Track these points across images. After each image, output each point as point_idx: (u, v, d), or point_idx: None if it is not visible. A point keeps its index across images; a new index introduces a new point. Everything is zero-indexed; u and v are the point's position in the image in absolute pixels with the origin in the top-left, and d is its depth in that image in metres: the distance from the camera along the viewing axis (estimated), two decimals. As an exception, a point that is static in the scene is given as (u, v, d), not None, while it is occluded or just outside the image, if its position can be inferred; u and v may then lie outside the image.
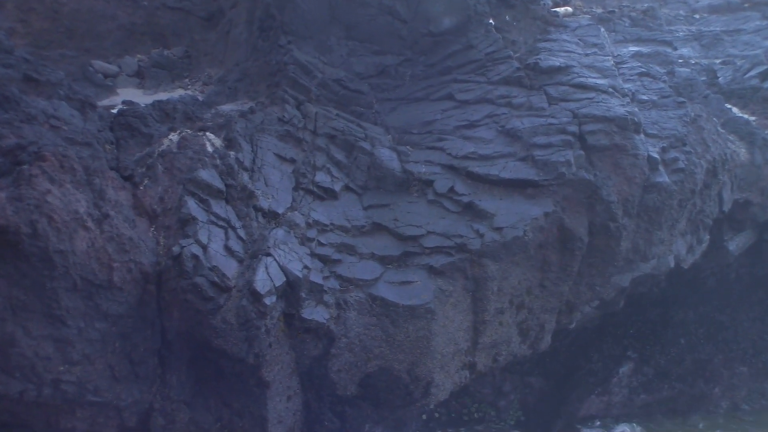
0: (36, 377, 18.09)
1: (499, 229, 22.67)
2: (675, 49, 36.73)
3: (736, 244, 29.47)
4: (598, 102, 26.05)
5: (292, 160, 23.94)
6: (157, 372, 20.23)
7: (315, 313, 20.63)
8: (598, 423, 28.73)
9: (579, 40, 31.03)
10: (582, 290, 25.02)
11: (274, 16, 27.89)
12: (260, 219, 21.76)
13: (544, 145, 24.58)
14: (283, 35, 27.51)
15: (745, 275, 31.44)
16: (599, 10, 41.17)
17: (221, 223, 20.86)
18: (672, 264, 26.88)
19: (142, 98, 26.75)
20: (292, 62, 26.59)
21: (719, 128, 29.03)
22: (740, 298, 31.46)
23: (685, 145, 26.46)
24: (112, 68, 30.40)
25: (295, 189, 23.29)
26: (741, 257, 30.24)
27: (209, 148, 22.17)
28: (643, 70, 30.53)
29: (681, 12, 44.69)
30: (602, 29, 33.02)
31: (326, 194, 23.65)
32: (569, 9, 38.77)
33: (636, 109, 26.38)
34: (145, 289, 19.62)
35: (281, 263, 20.41)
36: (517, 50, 29.71)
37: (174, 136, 22.47)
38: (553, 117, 25.65)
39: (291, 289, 20.40)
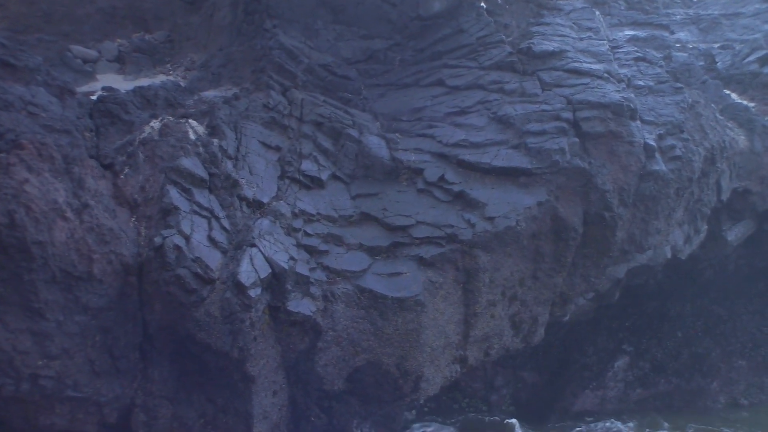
0: (14, 372, 17.67)
1: (490, 219, 22.30)
2: (672, 33, 36.58)
3: (734, 234, 29.14)
4: (593, 88, 25.67)
5: (278, 148, 23.54)
6: (138, 367, 19.80)
7: (301, 305, 20.21)
8: (592, 418, 28.37)
9: (573, 23, 30.70)
10: (576, 282, 24.66)
11: (259, -1, 27.47)
12: (245, 208, 21.37)
13: (538, 132, 24.22)
14: (269, 19, 27.15)
15: (744, 266, 31.21)
16: (594, -7, 40.87)
17: (204, 212, 20.43)
18: (669, 255, 26.60)
19: (123, 84, 26.34)
20: (278, 47, 26.22)
21: (717, 115, 28.69)
22: (739, 290, 31.22)
23: (682, 132, 26.16)
24: (92, 53, 29.88)
25: (281, 178, 22.90)
26: (740, 248, 29.96)
27: (192, 136, 21.73)
28: (639, 54, 30.29)
29: (678, -6, 44.39)
30: (597, 12, 32.72)
31: (313, 183, 23.26)
32: (563, -9, 38.40)
33: (632, 95, 25.99)
34: (126, 281, 19.20)
35: (266, 254, 20.01)
36: (510, 34, 29.39)
37: (155, 124, 22.00)
38: (546, 103, 25.30)
39: (276, 281, 19.99)
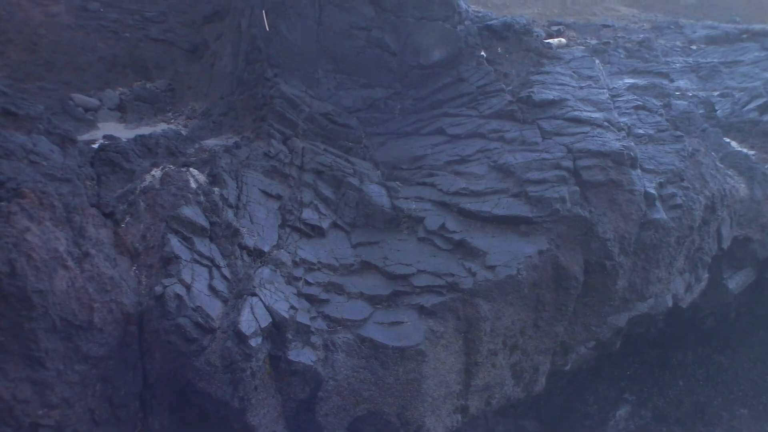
0: (13, 421, 17.39)
1: (491, 268, 22.19)
2: (672, 80, 36.73)
3: (735, 282, 29.09)
4: (593, 136, 25.73)
5: (279, 197, 23.50)
6: (138, 416, 19.60)
7: (302, 354, 20.01)
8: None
9: (573, 72, 30.87)
10: (577, 330, 24.57)
11: (260, 48, 27.59)
12: (245, 257, 21.27)
13: (538, 180, 24.21)
14: (270, 68, 27.22)
15: (745, 315, 31.17)
16: (593, 41, 41.32)
17: (205, 261, 20.31)
18: (670, 303, 26.44)
19: (124, 133, 26.32)
20: (279, 96, 26.25)
21: (718, 163, 28.74)
22: (740, 339, 31.19)
23: (682, 180, 26.17)
24: (93, 102, 29.90)
25: (282, 226, 22.82)
26: (741, 296, 29.87)
27: (193, 185, 21.69)
28: (639, 103, 30.34)
29: (677, 43, 44.66)
30: (597, 61, 32.91)
31: (313, 232, 23.20)
32: (563, 40, 38.79)
33: (632, 144, 25.99)
34: (127, 330, 19.02)
35: (267, 303, 19.87)
36: (510, 83, 29.54)
37: (156, 172, 21.99)
38: (546, 152, 25.32)
39: (277, 330, 19.83)
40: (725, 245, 28.04)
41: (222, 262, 20.63)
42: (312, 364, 20.01)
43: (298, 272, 21.65)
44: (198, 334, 18.80)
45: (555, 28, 44.06)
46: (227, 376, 18.88)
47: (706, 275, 28.04)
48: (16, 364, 17.27)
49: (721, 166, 28.94)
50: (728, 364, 30.92)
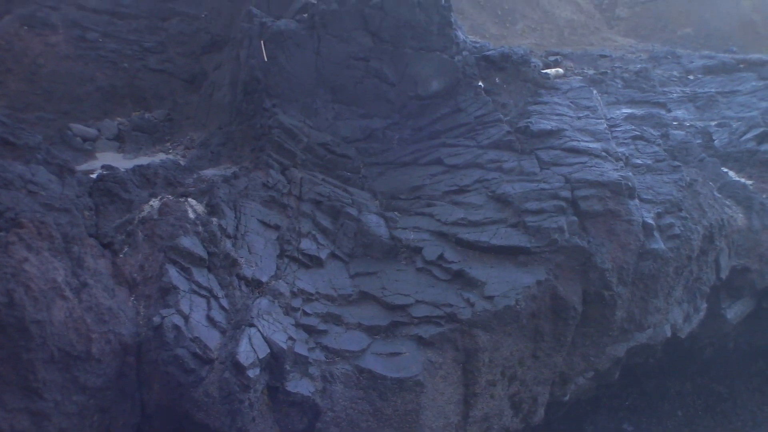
0: (11, 452, 17.38)
1: (490, 298, 22.14)
2: (669, 110, 36.80)
3: (734, 312, 29.09)
4: (591, 166, 25.77)
5: (277, 227, 23.51)
6: (136, 447, 19.47)
7: (300, 385, 19.92)
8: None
9: (571, 102, 30.93)
10: (576, 361, 24.51)
11: (258, 78, 27.65)
12: (243, 288, 21.25)
13: (536, 210, 24.22)
14: (268, 98, 27.28)
15: (744, 344, 31.12)
16: (591, 71, 41.40)
17: (203, 292, 20.31)
18: (668, 333, 26.44)
19: (122, 163, 26.41)
20: (277, 126, 26.31)
21: (715, 193, 28.81)
22: (739, 369, 31.13)
23: (680, 210, 26.20)
24: (92, 132, 29.96)
25: (280, 256, 22.83)
26: (739, 326, 29.85)
27: (191, 215, 21.72)
28: (636, 133, 30.44)
29: (675, 73, 44.78)
30: (594, 91, 32.97)
31: (311, 262, 23.18)
32: (560, 71, 38.87)
33: (630, 174, 26.06)
34: (125, 360, 19.00)
35: (265, 334, 19.82)
36: (508, 113, 29.58)
37: (155, 202, 22.03)
38: (544, 182, 25.35)
39: (275, 361, 19.75)
40: (723, 275, 28.05)
41: (220, 293, 20.62)
42: (310, 395, 19.92)
43: (296, 303, 21.60)
44: (196, 365, 18.77)
45: (552, 58, 44.19)
46: (225, 407, 18.81)
47: (704, 305, 28.05)
48: (13, 394, 17.24)
49: (719, 195, 29.00)
50: (727, 394, 30.85)
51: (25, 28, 31.42)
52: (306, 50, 28.11)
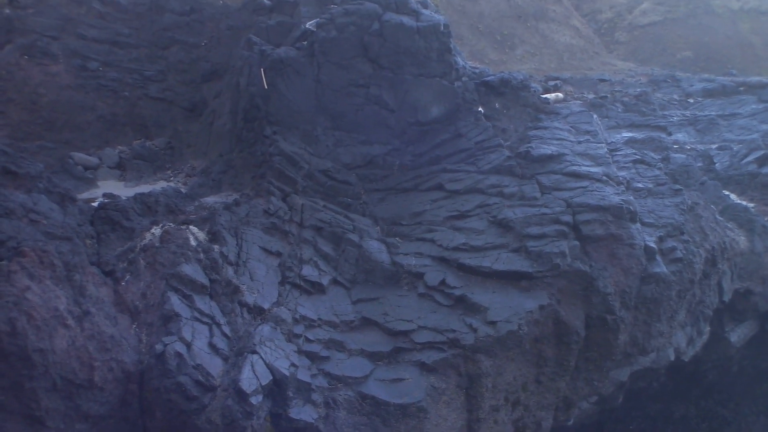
0: (13, 481, 17.30)
1: (492, 323, 22.11)
2: (669, 134, 36.89)
3: (737, 335, 29.06)
4: (592, 191, 25.75)
5: (278, 254, 23.48)
6: (139, 475, 19.39)
7: (303, 412, 19.87)
8: None
9: (571, 127, 30.93)
10: (579, 385, 24.45)
11: (258, 106, 27.70)
12: (245, 315, 21.19)
13: (538, 235, 24.21)
14: (268, 126, 27.32)
15: (748, 367, 31.03)
16: (591, 96, 41.49)
17: (205, 319, 20.25)
18: (672, 357, 26.35)
19: (124, 191, 26.43)
20: (278, 153, 26.32)
21: (717, 216, 28.82)
22: (743, 392, 31.01)
23: (682, 233, 26.21)
24: (93, 160, 29.97)
25: (282, 283, 22.80)
26: (743, 349, 29.82)
27: (193, 242, 21.69)
28: (637, 156, 30.46)
29: (675, 96, 44.87)
30: (594, 115, 32.97)
31: (313, 288, 23.15)
32: (560, 95, 38.93)
33: (631, 198, 26.05)
34: (127, 388, 18.92)
35: (267, 361, 19.79)
36: (508, 138, 29.61)
37: (156, 230, 21.98)
38: (546, 206, 25.33)
39: (278, 388, 19.73)
40: (726, 298, 28.03)
41: (222, 320, 20.56)
42: (313, 421, 19.87)
43: (299, 329, 21.56)
44: (199, 392, 18.70)
45: (552, 83, 44.28)
46: (228, 434, 18.72)
47: (707, 328, 27.99)
48: (16, 423, 17.19)
49: (721, 218, 29.01)
50: (731, 417, 30.74)
51: (26, 57, 31.48)
52: (306, 77, 28.16)
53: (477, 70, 33.51)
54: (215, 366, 19.33)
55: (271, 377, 19.53)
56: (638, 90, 44.25)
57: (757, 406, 31.21)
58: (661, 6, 64.88)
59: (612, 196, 25.43)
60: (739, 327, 29.22)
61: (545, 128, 30.58)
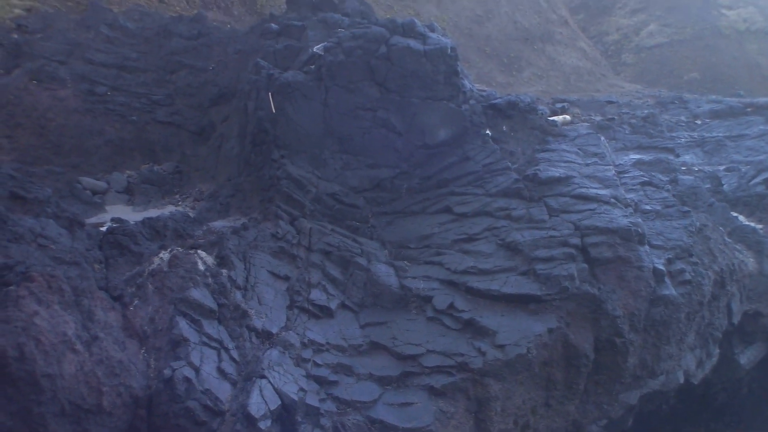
0: (20, 508, 17.23)
1: (501, 347, 22.04)
2: (677, 155, 36.81)
3: (747, 357, 28.96)
4: (601, 213, 25.75)
5: (286, 278, 23.48)
6: (146, 501, 19.32)
7: (311, 437, 19.80)
8: None
9: (579, 149, 30.95)
10: (589, 409, 24.36)
11: (266, 129, 27.74)
12: (254, 339, 21.17)
13: (546, 258, 24.18)
14: (276, 149, 27.34)
15: (758, 389, 30.94)
16: (598, 118, 41.45)
17: (214, 344, 20.24)
18: (681, 379, 26.25)
19: (132, 215, 26.43)
20: (286, 177, 26.34)
21: (726, 237, 28.76)
22: (753, 414, 30.91)
23: (691, 255, 26.17)
24: (101, 185, 29.96)
25: (290, 307, 22.78)
26: (753, 371, 29.73)
27: (201, 267, 21.70)
28: (645, 179, 30.43)
29: (682, 118, 44.80)
30: (602, 138, 32.98)
31: (322, 312, 23.12)
32: (567, 117, 38.92)
33: (639, 220, 26.02)
34: (136, 413, 18.83)
35: (276, 385, 19.75)
36: (516, 161, 29.60)
37: (165, 255, 21.99)
38: (554, 229, 25.31)
39: (286, 413, 19.66)
40: (735, 320, 27.96)
41: (230, 344, 20.55)
42: (322, 446, 19.85)
43: (307, 353, 21.52)
44: (207, 417, 18.66)
45: (559, 105, 44.26)
46: (237, 459, 18.68)
47: (717, 351, 27.90)
48: (24, 449, 17.18)
49: (730, 240, 28.94)
50: (742, 439, 30.71)
51: (34, 82, 31.55)
52: (313, 101, 28.21)
53: (484, 93, 33.56)
54: (224, 391, 19.30)
55: (280, 402, 19.48)
56: (645, 112, 44.19)
57: (767, 427, 31.13)
58: (668, 27, 64.95)
59: (620, 218, 25.41)
60: (749, 349, 29.12)
61: (553, 151, 30.61)
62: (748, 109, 45.56)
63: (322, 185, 27.04)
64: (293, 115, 27.82)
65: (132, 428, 18.77)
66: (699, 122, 44.22)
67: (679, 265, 25.77)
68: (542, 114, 34.32)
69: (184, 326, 19.95)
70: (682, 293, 25.05)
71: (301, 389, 20.18)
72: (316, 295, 23.43)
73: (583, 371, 23.27)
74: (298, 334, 21.92)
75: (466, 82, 31.09)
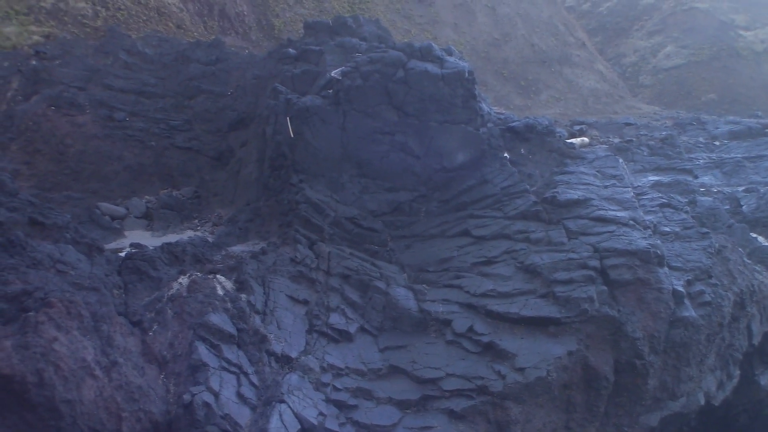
0: None
1: (521, 370, 21.95)
2: (696, 177, 36.74)
3: (767, 378, 28.70)
4: (619, 235, 25.70)
5: (305, 302, 23.47)
6: None
7: (332, 461, 19.75)
8: None
9: (597, 171, 30.90)
10: (609, 431, 24.13)
11: (285, 154, 27.81)
12: (273, 364, 21.13)
13: (565, 281, 24.10)
14: (295, 174, 27.41)
15: (778, 411, 30.69)
16: (616, 140, 41.49)
17: (233, 368, 20.20)
18: (702, 401, 26.09)
19: (151, 240, 26.53)
20: (304, 201, 26.41)
21: (745, 259, 28.65)
22: (774, 435, 30.65)
23: (710, 277, 26.07)
24: (120, 210, 30.14)
25: (309, 332, 22.76)
26: (773, 392, 29.47)
27: (220, 291, 21.71)
28: (664, 200, 30.36)
29: (700, 139, 44.81)
30: (620, 160, 32.93)
31: (341, 336, 23.08)
32: (585, 140, 38.93)
33: (659, 242, 25.98)
34: (155, 439, 18.79)
35: (295, 410, 19.66)
36: (534, 184, 29.59)
37: (184, 280, 22.01)
38: (573, 251, 25.24)
39: (306, 437, 19.56)
40: (756, 341, 27.83)
41: (250, 369, 20.51)
42: (342, 470, 19.80)
43: (326, 378, 21.46)
44: (227, 442, 18.62)
45: (577, 127, 44.31)
46: (257, 484, 18.64)
47: (737, 372, 27.75)
48: (44, 474, 17.16)
49: (749, 261, 28.84)
50: (763, 461, 30.48)
51: (53, 108, 31.77)
52: (331, 125, 28.29)
53: (502, 116, 33.64)
54: (243, 415, 19.24)
55: (300, 426, 19.37)
56: (664, 133, 44.19)
57: (789, 449, 30.97)
58: (685, 49, 65.04)
59: (639, 240, 25.35)
60: (769, 370, 29.06)
61: (571, 173, 30.57)
62: (767, 130, 45.47)
63: (341, 209, 27.07)
64: (311, 140, 27.89)
65: (152, 453, 18.77)
66: (717, 143, 44.19)
67: (699, 286, 25.69)
68: (560, 136, 34.35)
69: (203, 351, 19.93)
70: (702, 315, 24.95)
71: (321, 413, 20.09)
72: (335, 319, 23.41)
73: (603, 393, 23.14)
74: (317, 358, 21.88)
75: (483, 105, 31.14)
